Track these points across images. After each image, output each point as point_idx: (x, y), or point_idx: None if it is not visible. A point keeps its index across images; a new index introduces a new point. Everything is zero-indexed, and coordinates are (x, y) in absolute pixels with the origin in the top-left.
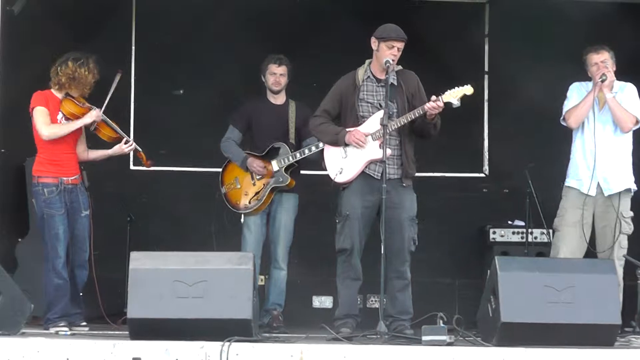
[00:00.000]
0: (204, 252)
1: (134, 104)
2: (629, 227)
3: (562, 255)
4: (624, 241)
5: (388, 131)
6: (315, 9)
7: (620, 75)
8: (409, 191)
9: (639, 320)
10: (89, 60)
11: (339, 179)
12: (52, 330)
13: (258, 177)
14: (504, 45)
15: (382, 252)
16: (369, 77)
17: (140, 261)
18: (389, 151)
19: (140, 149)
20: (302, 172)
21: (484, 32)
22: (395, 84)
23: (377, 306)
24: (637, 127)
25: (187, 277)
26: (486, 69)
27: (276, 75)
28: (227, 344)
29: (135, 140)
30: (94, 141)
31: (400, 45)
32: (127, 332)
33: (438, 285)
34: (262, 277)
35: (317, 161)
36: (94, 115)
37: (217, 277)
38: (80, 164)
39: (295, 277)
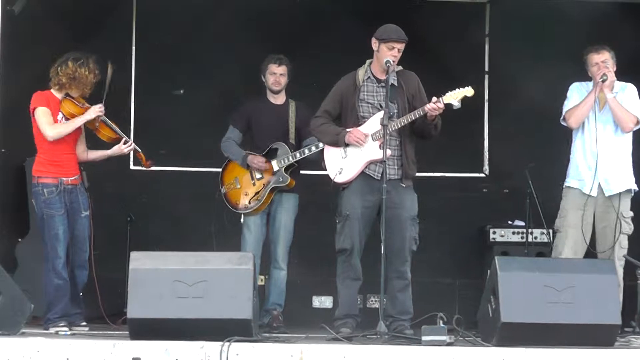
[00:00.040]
0: (204, 252)
1: (134, 104)
2: (629, 228)
3: (564, 256)
4: (624, 241)
5: (388, 132)
6: (316, 8)
7: (621, 75)
8: (410, 191)
9: (639, 321)
10: (89, 60)
11: (339, 179)
12: (52, 330)
13: (258, 177)
14: (504, 45)
15: (382, 252)
16: (369, 77)
17: (140, 261)
18: (389, 152)
19: (139, 150)
20: (302, 172)
21: (485, 32)
22: (396, 84)
23: (377, 306)
24: (637, 127)
25: (187, 277)
26: (486, 69)
27: (276, 75)
28: (227, 344)
29: (135, 140)
30: (94, 142)
31: (401, 46)
32: (127, 332)
33: (438, 285)
34: (262, 277)
35: (317, 161)
36: (97, 110)
37: (217, 277)
38: (79, 164)
39: (295, 277)
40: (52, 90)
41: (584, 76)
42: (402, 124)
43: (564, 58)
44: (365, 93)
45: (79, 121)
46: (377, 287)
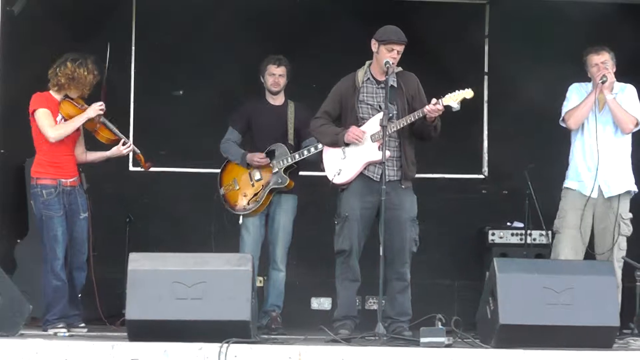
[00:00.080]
0: (202, 253)
1: (134, 104)
2: (628, 229)
3: (563, 257)
4: (623, 243)
5: (387, 133)
6: (315, 9)
7: (621, 76)
8: (409, 192)
9: (638, 322)
10: (87, 60)
11: (337, 180)
12: (51, 331)
13: (257, 178)
14: (504, 46)
15: (381, 253)
16: (368, 78)
17: (139, 262)
18: (388, 153)
19: (138, 151)
20: (300, 173)
21: (484, 33)
22: (395, 85)
23: (375, 308)
24: (637, 128)
25: (185, 278)
26: (486, 69)
27: (275, 76)
28: (225, 345)
29: (134, 140)
30: (92, 143)
31: (400, 48)
32: (125, 334)
33: (437, 287)
34: (261, 278)
35: (316, 162)
36: (97, 108)
37: (215, 278)
38: (78, 166)
39: (294, 279)
40: (50, 92)
41: (584, 77)
42: (402, 126)
43: (564, 59)
44: (365, 94)
45: (79, 120)
46: (376, 289)
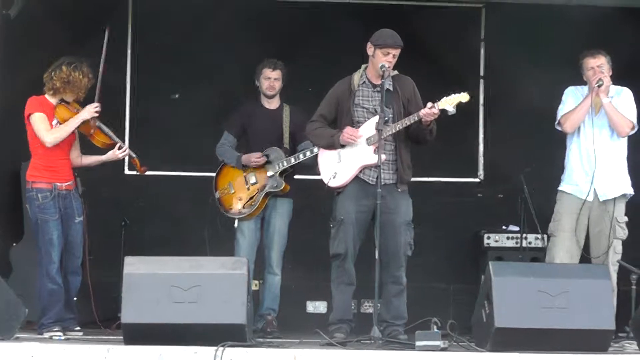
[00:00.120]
0: (198, 256)
1: (129, 106)
2: (623, 233)
3: (558, 260)
4: (618, 246)
5: (383, 136)
6: (315, 10)
7: (617, 79)
8: (405, 196)
9: (633, 326)
10: (82, 64)
11: (333, 183)
12: (46, 335)
13: (252, 182)
14: (500, 49)
15: (377, 257)
16: (364, 82)
17: (134, 266)
18: (383, 156)
19: (134, 155)
20: (296, 176)
21: (480, 37)
22: (391, 89)
23: (371, 311)
24: (633, 131)
25: (181, 282)
26: (482, 73)
27: (270, 79)
28: (220, 349)
29: (130, 143)
30: (88, 147)
31: (396, 51)
32: (121, 337)
33: (433, 290)
34: (256, 282)
35: (312, 166)
36: (92, 109)
37: (211, 282)
38: (73, 169)
39: (290, 282)
40: (46, 96)
41: (579, 80)
42: (397, 129)
43: (559, 62)
44: (361, 98)
45: (75, 122)
46: (372, 292)
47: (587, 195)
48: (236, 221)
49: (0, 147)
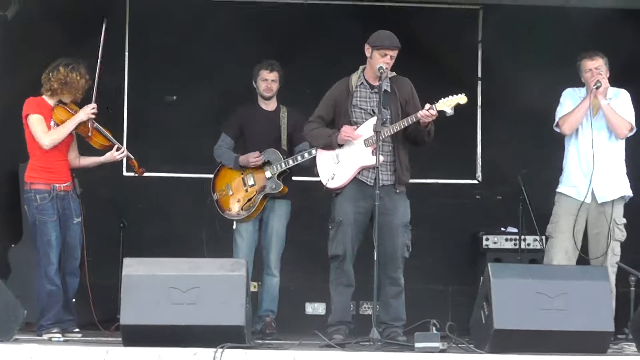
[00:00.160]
0: (196, 258)
1: (128, 107)
2: (621, 234)
3: (555, 262)
4: (617, 248)
5: (381, 138)
6: (315, 11)
7: (615, 81)
8: (403, 197)
9: (632, 327)
10: (79, 65)
11: (331, 184)
12: (45, 336)
13: (250, 183)
14: (497, 51)
15: (375, 258)
16: (362, 83)
17: (133, 267)
18: (381, 158)
19: (132, 157)
20: (294, 178)
21: (478, 38)
22: (389, 90)
23: (370, 313)
24: (631, 133)
25: (179, 283)
26: (479, 74)
27: (268, 81)
28: (219, 350)
29: (127, 144)
30: (86, 149)
31: (393, 53)
32: (120, 339)
33: (431, 292)
34: (255, 283)
35: (310, 167)
36: (88, 111)
37: (209, 283)
38: (71, 170)
39: (288, 284)
40: (44, 97)
41: (577, 82)
42: (395, 130)
43: (557, 64)
44: (358, 99)
45: (72, 124)
46: (370, 294)
47: (585, 197)
48: (234, 223)
49: None
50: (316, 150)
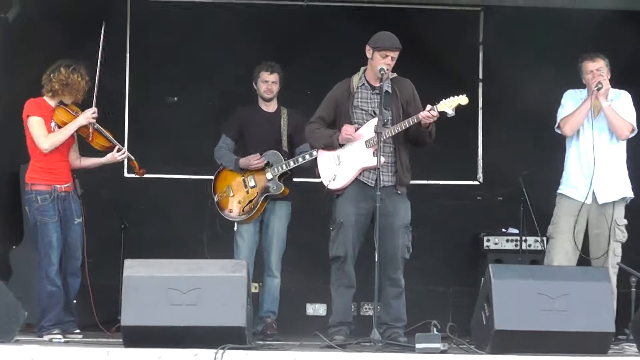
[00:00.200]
0: (197, 259)
1: (128, 108)
2: (622, 235)
3: (556, 263)
4: (617, 249)
5: (382, 139)
6: (315, 12)
7: (615, 83)
8: (403, 199)
9: (633, 328)
10: (80, 66)
11: (332, 185)
12: (46, 337)
13: (251, 185)
14: (498, 52)
15: (376, 259)
16: (363, 84)
17: (134, 268)
18: (382, 159)
19: (133, 158)
20: (295, 179)
21: (479, 39)
22: (390, 91)
23: (371, 314)
24: (633, 134)
25: (181, 284)
26: (480, 76)
27: (268, 82)
28: (220, 351)
29: (128, 146)
30: (86, 150)
31: (395, 54)
32: (120, 340)
33: (432, 293)
34: (256, 284)
35: (311, 169)
36: (89, 115)
37: (211, 284)
38: (72, 171)
39: (289, 285)
40: (44, 98)
41: (578, 83)
42: (396, 132)
43: (558, 65)
44: (360, 100)
45: (71, 128)
46: (371, 295)
47: (586, 198)
48: (235, 224)
49: None
50: (317, 152)
